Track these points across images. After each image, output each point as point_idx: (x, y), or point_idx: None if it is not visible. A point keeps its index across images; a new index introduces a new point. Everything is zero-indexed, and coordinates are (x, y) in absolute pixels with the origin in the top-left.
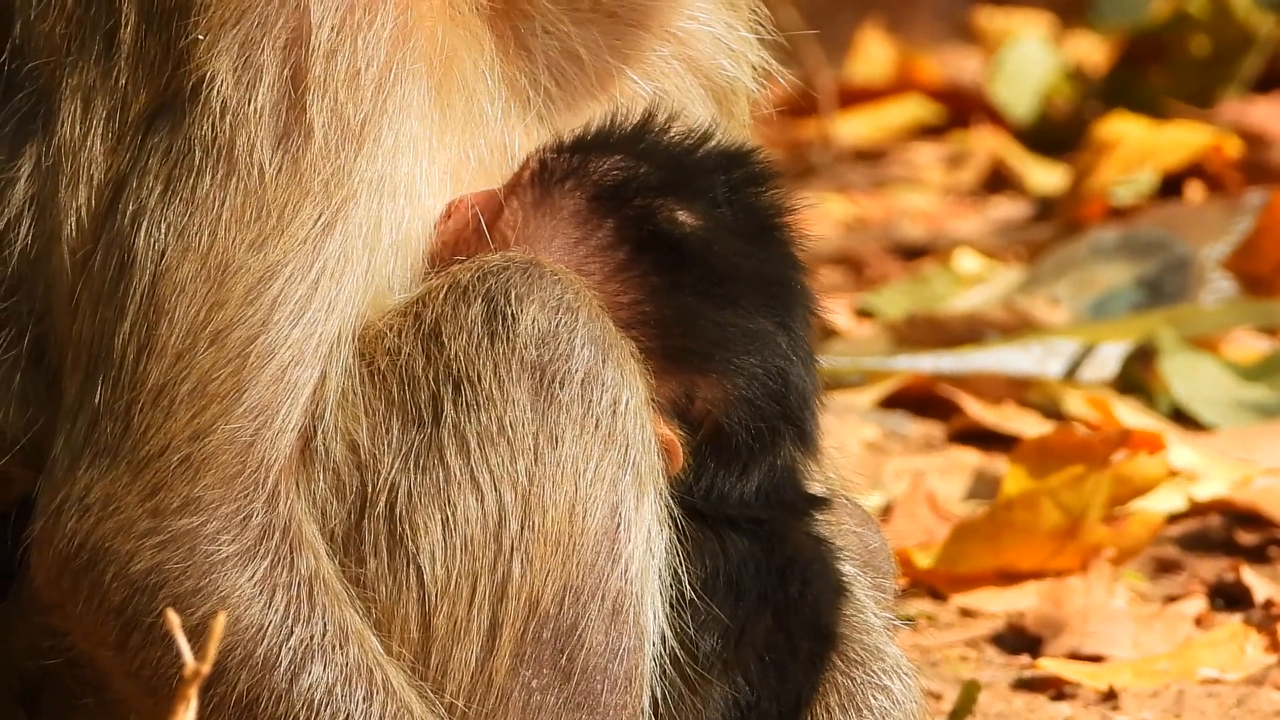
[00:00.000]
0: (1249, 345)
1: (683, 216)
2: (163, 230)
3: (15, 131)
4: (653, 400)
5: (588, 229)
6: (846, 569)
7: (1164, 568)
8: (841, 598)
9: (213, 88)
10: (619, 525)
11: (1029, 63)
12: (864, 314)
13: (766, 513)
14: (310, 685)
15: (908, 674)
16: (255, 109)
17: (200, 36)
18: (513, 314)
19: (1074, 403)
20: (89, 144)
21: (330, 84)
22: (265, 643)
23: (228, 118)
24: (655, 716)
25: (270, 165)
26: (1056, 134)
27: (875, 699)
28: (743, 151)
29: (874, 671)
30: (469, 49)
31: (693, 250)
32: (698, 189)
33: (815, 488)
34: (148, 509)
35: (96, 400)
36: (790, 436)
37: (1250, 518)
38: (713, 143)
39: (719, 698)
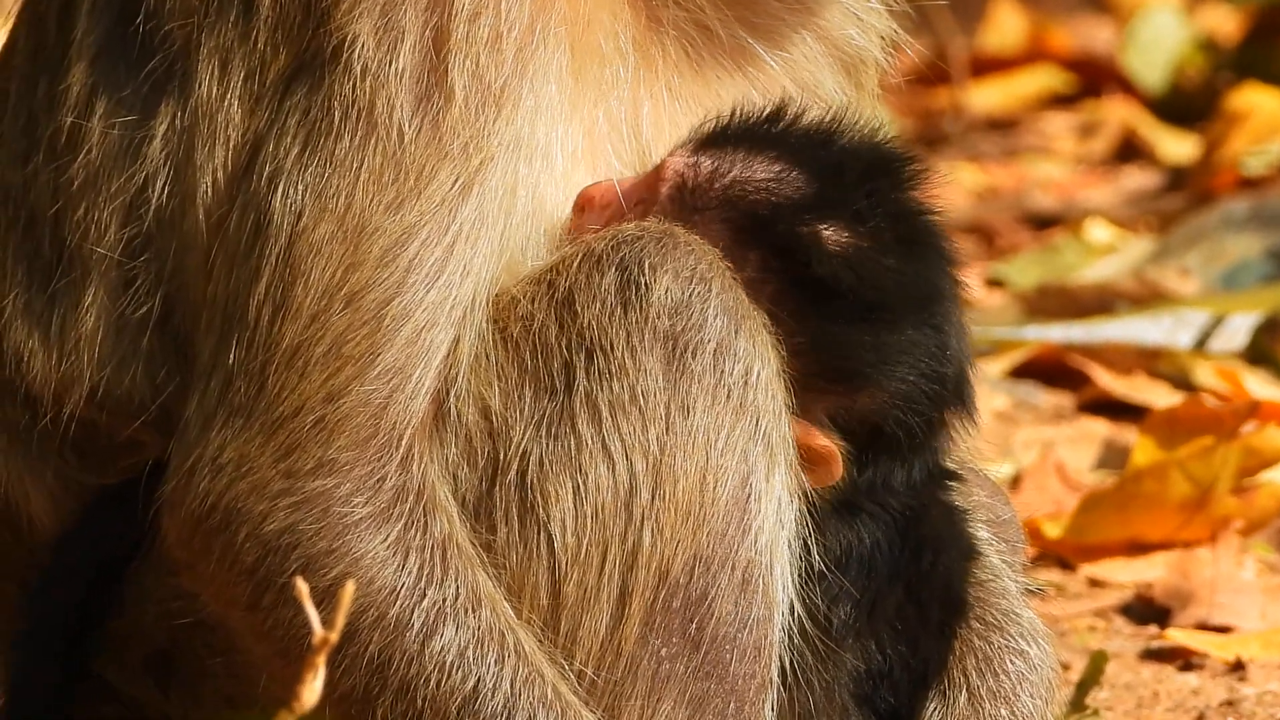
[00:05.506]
0: None
1: (828, 239)
2: (300, 191)
3: (150, 93)
4: (812, 413)
5: (732, 262)
6: (980, 533)
7: None
8: (973, 562)
9: (353, 49)
10: (749, 495)
11: (1161, 33)
12: (995, 283)
13: (910, 498)
14: (442, 648)
15: (1044, 639)
16: (396, 71)
17: None
18: (646, 283)
19: (1204, 374)
20: (226, 105)
21: (472, 47)
22: (398, 605)
23: (368, 79)
24: (785, 686)
25: (409, 127)
26: (1188, 104)
27: (1013, 663)
28: (881, 147)
29: (1011, 636)
30: (605, 15)
31: (840, 277)
32: (841, 203)
33: (949, 462)
34: (281, 470)
35: (231, 361)
36: (949, 425)
37: None
38: (850, 139)
39: (850, 668)
